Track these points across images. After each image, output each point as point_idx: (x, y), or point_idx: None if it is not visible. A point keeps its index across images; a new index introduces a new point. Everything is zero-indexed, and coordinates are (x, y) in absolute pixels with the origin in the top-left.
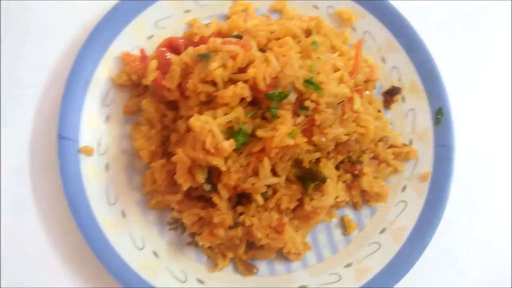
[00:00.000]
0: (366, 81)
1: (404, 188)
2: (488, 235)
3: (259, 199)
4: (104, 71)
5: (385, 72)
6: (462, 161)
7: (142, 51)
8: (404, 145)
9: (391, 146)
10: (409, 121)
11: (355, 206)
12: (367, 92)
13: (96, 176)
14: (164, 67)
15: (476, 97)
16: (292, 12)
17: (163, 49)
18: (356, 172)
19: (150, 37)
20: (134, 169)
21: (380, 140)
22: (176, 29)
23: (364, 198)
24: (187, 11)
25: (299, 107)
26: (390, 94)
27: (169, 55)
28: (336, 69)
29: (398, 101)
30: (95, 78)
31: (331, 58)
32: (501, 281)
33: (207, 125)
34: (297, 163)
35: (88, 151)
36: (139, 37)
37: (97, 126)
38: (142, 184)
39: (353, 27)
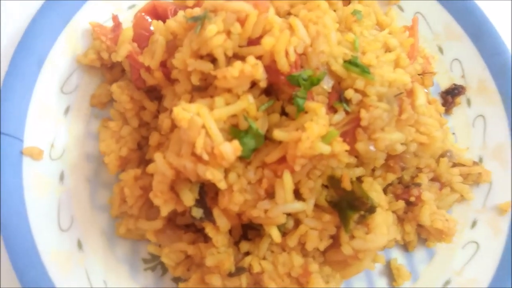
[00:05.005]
0: (421, 74)
1: (474, 224)
2: None
3: (275, 234)
4: (66, 47)
5: (443, 65)
6: None
7: (115, 18)
8: (474, 163)
9: (456, 165)
10: (478, 131)
11: (406, 247)
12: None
13: (44, 190)
14: (143, 39)
15: None
16: None
17: (144, 15)
18: (411, 199)
19: (131, 6)
20: (100, 182)
21: (442, 156)
22: None
23: (419, 235)
24: None
25: (337, 99)
26: (451, 95)
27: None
28: (389, 50)
29: (461, 104)
30: (52, 56)
31: (381, 35)
32: None
33: (199, 119)
34: (333, 182)
35: (36, 154)
36: (116, 5)
37: (52, 120)
38: (109, 203)
39: (400, 6)
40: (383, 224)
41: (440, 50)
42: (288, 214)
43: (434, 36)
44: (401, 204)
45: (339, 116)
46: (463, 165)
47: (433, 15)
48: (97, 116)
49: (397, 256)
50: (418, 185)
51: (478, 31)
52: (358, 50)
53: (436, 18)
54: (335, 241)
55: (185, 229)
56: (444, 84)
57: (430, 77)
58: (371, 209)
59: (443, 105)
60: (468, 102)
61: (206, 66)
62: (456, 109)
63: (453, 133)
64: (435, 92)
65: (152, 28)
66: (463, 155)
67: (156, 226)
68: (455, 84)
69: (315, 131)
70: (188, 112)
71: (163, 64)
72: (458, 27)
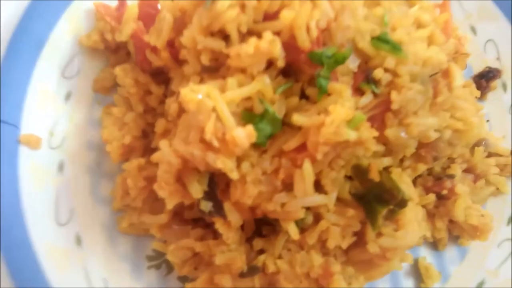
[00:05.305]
0: (454, 54)
1: (510, 220)
2: None
3: (292, 231)
4: (67, 28)
5: (476, 47)
6: None
7: None
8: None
9: (491, 155)
10: None
11: (436, 245)
12: None
13: (41, 181)
14: (150, 18)
15: None
16: None
17: None
18: (443, 192)
19: None
20: (102, 172)
21: (476, 145)
22: None
23: (450, 232)
24: None
25: (364, 79)
26: (486, 79)
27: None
28: (421, 26)
29: (496, 89)
30: (53, 38)
31: (411, 11)
32: None
33: (209, 101)
34: (358, 172)
35: (34, 142)
36: None
37: (52, 106)
38: (111, 195)
39: None
40: (414, 220)
41: (473, 30)
42: (308, 208)
43: (465, 16)
44: (431, 197)
45: (366, 99)
46: (500, 155)
47: None
48: (100, 102)
49: (426, 254)
50: (452, 176)
51: None
52: (388, 25)
53: None
54: (360, 238)
55: (192, 224)
56: (477, 67)
57: (463, 59)
58: (402, 203)
59: (477, 89)
60: (504, 87)
61: (218, 44)
62: (491, 94)
63: (487, 120)
64: (467, 75)
65: (159, 6)
66: (499, 144)
67: (161, 221)
68: (489, 67)
69: (340, 114)
70: (197, 94)
71: (171, 44)
72: (494, 6)
